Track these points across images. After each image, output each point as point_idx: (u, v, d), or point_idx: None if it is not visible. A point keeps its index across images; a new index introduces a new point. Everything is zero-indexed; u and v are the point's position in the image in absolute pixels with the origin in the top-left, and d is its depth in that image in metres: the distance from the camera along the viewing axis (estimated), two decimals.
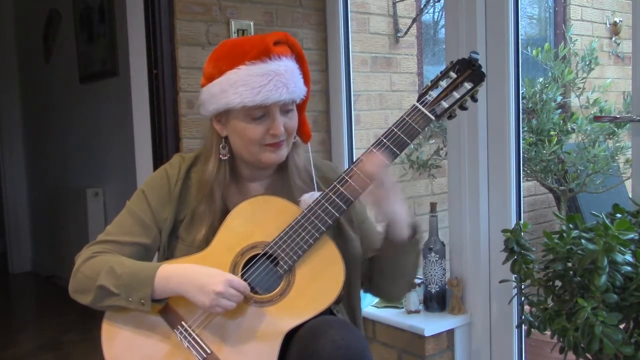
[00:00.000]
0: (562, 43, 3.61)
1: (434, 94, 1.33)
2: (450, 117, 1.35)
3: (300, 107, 1.43)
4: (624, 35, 4.04)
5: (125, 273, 1.29)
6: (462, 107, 1.35)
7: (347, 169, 1.32)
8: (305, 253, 1.30)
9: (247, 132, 1.35)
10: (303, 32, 2.66)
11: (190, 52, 2.36)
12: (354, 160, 1.33)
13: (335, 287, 1.30)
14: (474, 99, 1.36)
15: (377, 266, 1.45)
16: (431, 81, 1.34)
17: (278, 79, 1.30)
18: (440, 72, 1.34)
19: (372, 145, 1.32)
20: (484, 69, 1.34)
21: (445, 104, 1.32)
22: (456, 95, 1.32)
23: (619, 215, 1.54)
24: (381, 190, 1.31)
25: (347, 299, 1.46)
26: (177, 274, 1.28)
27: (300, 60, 1.40)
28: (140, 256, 1.38)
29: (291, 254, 1.30)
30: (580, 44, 3.71)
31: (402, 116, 1.32)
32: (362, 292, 1.52)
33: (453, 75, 1.33)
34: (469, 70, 1.33)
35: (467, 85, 1.33)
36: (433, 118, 1.32)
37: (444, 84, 1.33)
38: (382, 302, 2.42)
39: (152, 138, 2.37)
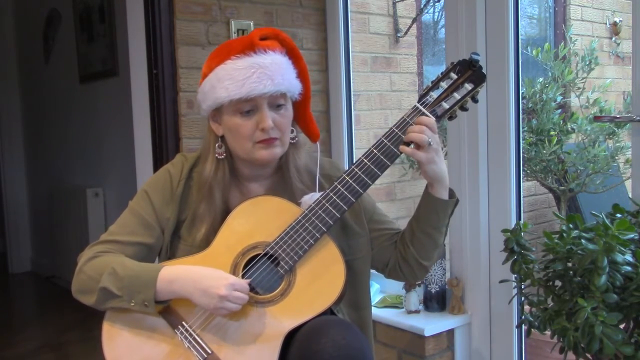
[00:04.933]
0: (562, 43, 3.61)
1: (434, 94, 1.33)
2: (451, 118, 1.35)
3: (303, 105, 1.43)
4: (624, 35, 4.04)
5: (127, 275, 1.29)
6: (463, 108, 1.35)
7: (399, 121, 1.32)
8: (306, 253, 1.30)
9: (238, 129, 1.35)
10: (303, 32, 2.66)
11: (190, 52, 2.36)
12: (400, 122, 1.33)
13: (336, 288, 1.30)
14: (475, 100, 1.36)
15: (412, 235, 1.42)
16: (432, 82, 1.35)
17: (262, 71, 1.31)
18: (441, 73, 1.35)
19: (372, 146, 1.32)
20: (484, 70, 1.35)
21: (445, 105, 1.33)
22: (457, 96, 1.33)
23: (619, 215, 1.54)
24: (431, 148, 1.30)
25: (353, 298, 1.45)
26: (179, 276, 1.28)
27: (293, 56, 1.40)
28: (143, 256, 1.39)
29: (292, 254, 1.30)
30: (580, 44, 3.71)
31: (403, 117, 1.33)
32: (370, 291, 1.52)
33: (454, 76, 1.34)
34: (469, 71, 1.33)
35: (468, 86, 1.33)
36: (434, 119, 1.32)
37: (444, 84, 1.34)
38: (383, 301, 2.42)
39: (152, 138, 2.37)
